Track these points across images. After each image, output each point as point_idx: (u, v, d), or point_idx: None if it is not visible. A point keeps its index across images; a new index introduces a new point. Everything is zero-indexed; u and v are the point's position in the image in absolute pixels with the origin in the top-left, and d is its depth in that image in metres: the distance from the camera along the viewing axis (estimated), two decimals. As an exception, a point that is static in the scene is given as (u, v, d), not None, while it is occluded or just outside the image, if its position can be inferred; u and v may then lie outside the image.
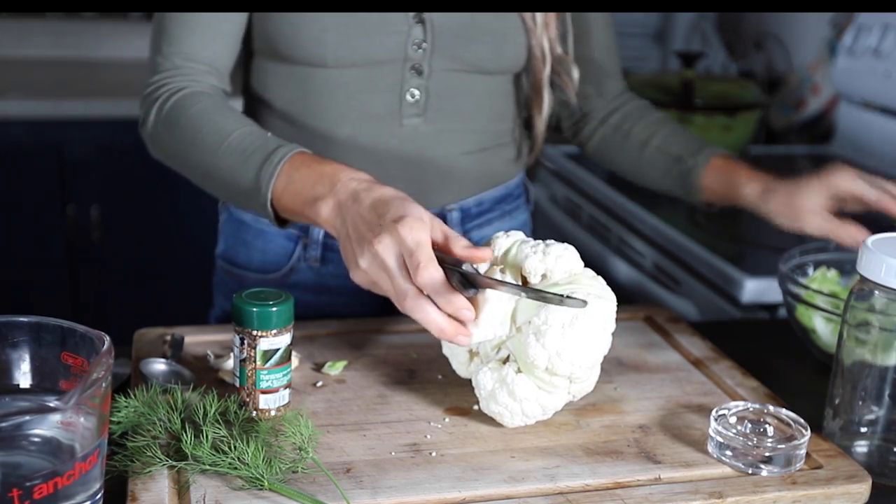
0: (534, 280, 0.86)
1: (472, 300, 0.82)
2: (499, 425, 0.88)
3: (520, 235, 0.90)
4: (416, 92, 1.10)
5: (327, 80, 1.09)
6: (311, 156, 0.95)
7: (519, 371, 0.85)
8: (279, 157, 0.94)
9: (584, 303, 0.79)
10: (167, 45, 1.05)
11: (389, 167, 1.12)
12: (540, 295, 0.81)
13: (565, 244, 0.87)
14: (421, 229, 0.81)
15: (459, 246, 0.83)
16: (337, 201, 0.88)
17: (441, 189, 1.15)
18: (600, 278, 0.88)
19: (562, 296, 0.79)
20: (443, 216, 1.16)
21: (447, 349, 0.94)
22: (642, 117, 1.25)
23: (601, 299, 0.85)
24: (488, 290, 0.83)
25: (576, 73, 1.19)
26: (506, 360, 0.87)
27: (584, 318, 0.82)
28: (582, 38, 1.21)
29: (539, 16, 1.12)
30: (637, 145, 1.23)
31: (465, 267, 0.81)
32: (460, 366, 0.93)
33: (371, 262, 0.83)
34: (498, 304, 0.84)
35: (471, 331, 0.82)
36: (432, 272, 0.79)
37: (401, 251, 0.81)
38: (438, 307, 0.80)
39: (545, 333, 0.82)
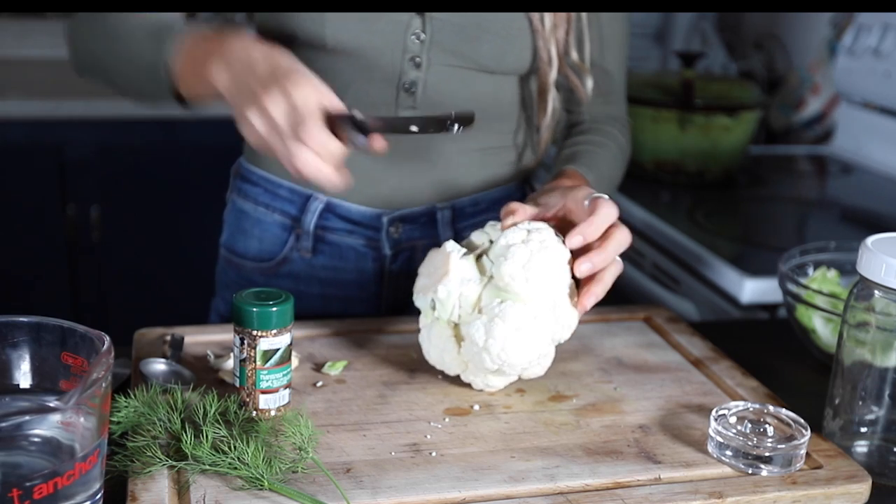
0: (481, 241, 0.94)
1: (445, 263, 0.90)
2: (499, 425, 0.89)
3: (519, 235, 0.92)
4: (413, 84, 1.10)
5: (326, 66, 1.08)
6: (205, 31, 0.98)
7: (502, 302, 0.88)
8: (178, 30, 0.97)
9: (471, 117, 0.90)
10: None
11: (382, 159, 1.11)
12: (431, 122, 0.90)
13: (546, 243, 0.89)
14: (308, 86, 0.84)
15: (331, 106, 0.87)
16: (225, 59, 0.90)
17: (437, 186, 1.15)
18: (537, 284, 0.88)
19: (449, 116, 0.89)
20: (432, 213, 1.16)
21: (434, 353, 0.94)
22: (593, 132, 1.20)
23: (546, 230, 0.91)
24: (451, 257, 0.90)
25: (590, 82, 1.15)
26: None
27: (537, 232, 0.90)
28: (602, 50, 1.17)
29: (547, 18, 1.10)
30: (561, 149, 1.20)
31: (354, 112, 0.86)
32: (452, 361, 0.93)
33: (259, 115, 0.85)
34: (459, 256, 0.91)
35: (442, 288, 0.89)
36: (315, 130, 0.83)
37: (287, 108, 0.84)
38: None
39: (509, 250, 0.88)
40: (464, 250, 0.93)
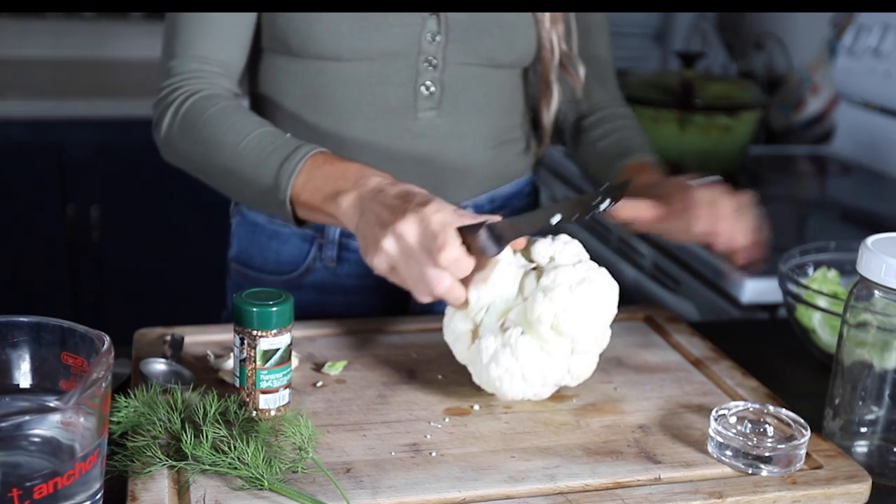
0: (542, 262, 0.90)
1: (482, 262, 0.86)
2: (499, 425, 0.89)
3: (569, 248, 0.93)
4: (431, 85, 1.10)
5: (340, 75, 1.09)
6: (332, 155, 0.97)
7: (523, 333, 0.86)
8: (301, 154, 0.96)
9: (627, 183, 0.86)
10: (181, 49, 1.06)
11: (403, 163, 1.11)
12: (576, 205, 0.83)
13: (593, 289, 0.87)
14: (447, 212, 0.83)
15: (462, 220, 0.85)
16: (359, 195, 0.89)
17: (455, 185, 1.15)
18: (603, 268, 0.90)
19: (599, 188, 0.84)
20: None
21: (450, 335, 0.93)
22: (609, 119, 1.24)
23: (605, 274, 0.88)
24: (497, 267, 0.87)
25: (582, 70, 1.19)
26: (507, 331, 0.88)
27: (591, 282, 0.86)
28: (596, 39, 1.23)
29: None
30: (591, 144, 1.22)
31: (487, 222, 0.83)
32: (462, 350, 0.92)
33: (394, 242, 0.84)
34: (507, 267, 0.88)
35: (474, 293, 0.87)
36: (454, 253, 0.81)
37: (424, 232, 0.82)
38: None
39: (553, 290, 0.85)
40: (513, 260, 0.89)
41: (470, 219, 0.85)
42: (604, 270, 0.89)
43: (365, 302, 1.19)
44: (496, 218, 0.86)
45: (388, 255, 0.85)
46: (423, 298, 0.85)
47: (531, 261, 0.91)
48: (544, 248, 0.90)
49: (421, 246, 0.82)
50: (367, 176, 0.91)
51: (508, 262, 0.89)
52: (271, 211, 1.01)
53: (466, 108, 1.13)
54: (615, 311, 0.89)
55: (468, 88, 1.12)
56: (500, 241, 0.84)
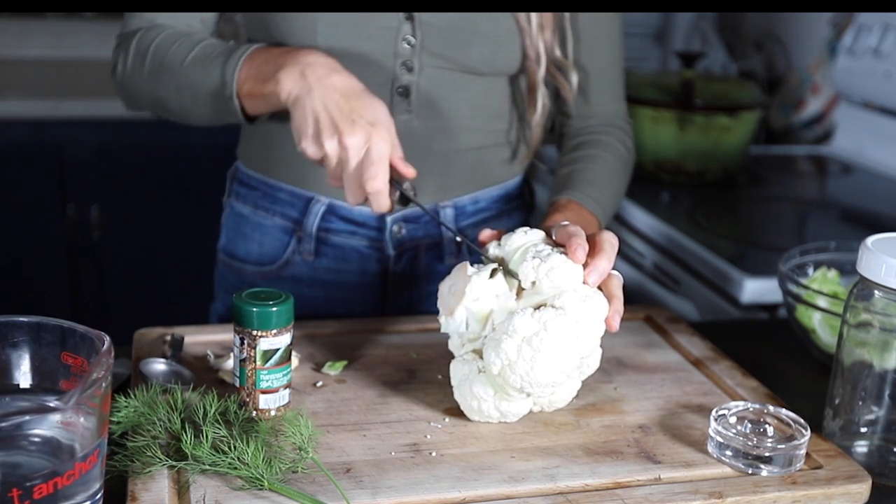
0: (525, 285, 0.86)
1: (456, 290, 0.87)
2: (499, 425, 0.89)
3: (538, 235, 0.89)
4: (408, 88, 1.10)
5: None
6: (271, 46, 1.02)
7: (481, 371, 0.85)
8: (241, 52, 1.01)
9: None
10: (139, 14, 1.12)
11: None
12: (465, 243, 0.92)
13: (554, 331, 0.81)
14: (388, 142, 0.92)
15: (395, 156, 0.94)
16: (301, 69, 0.95)
17: (434, 187, 1.15)
18: (593, 300, 0.83)
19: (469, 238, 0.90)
20: (436, 212, 1.16)
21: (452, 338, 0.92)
22: (584, 146, 1.18)
23: (570, 320, 0.82)
24: (468, 287, 0.85)
25: (574, 78, 1.16)
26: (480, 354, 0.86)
27: (547, 332, 0.81)
28: (586, 49, 1.17)
29: (534, 17, 1.10)
30: (559, 168, 1.19)
31: (405, 185, 0.95)
32: (455, 348, 0.92)
33: (337, 149, 0.92)
34: (476, 302, 0.85)
35: (443, 319, 0.87)
36: (380, 185, 0.92)
37: (365, 156, 0.91)
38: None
39: (503, 342, 0.82)
40: (495, 284, 0.86)
41: (403, 166, 0.94)
42: (588, 305, 0.83)
43: (343, 296, 1.19)
44: (412, 173, 0.95)
45: (325, 152, 0.93)
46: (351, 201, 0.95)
47: (520, 281, 0.85)
48: (529, 271, 0.84)
49: (359, 166, 0.92)
50: (305, 51, 0.97)
51: (477, 295, 0.85)
52: (225, 119, 1.05)
53: (445, 112, 1.12)
54: (580, 355, 0.83)
55: (447, 94, 1.12)
56: (405, 203, 0.96)
